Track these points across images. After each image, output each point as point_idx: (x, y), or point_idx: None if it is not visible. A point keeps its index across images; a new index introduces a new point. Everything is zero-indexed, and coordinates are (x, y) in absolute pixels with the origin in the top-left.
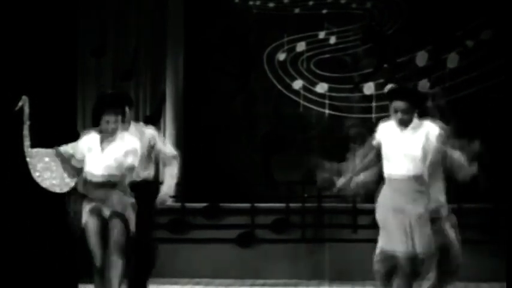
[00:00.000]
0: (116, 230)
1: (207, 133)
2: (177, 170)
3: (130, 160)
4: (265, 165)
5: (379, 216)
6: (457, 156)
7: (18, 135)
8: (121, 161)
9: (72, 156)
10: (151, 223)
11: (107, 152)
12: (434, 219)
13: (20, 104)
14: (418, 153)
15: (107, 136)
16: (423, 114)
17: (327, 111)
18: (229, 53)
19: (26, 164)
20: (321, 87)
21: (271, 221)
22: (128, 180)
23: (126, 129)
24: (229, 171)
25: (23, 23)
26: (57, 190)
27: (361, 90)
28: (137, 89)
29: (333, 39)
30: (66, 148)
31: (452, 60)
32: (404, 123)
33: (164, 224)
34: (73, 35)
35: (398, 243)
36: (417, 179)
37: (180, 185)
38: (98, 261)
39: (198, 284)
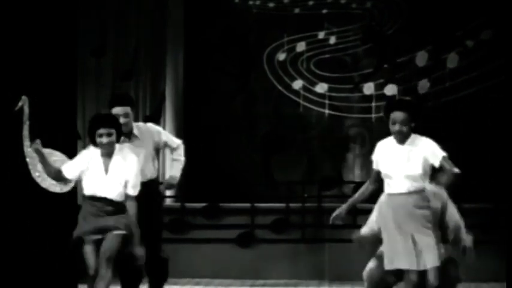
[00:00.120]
0: (108, 242)
1: (207, 133)
2: (184, 154)
3: (131, 180)
4: (265, 165)
5: (382, 234)
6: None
7: (18, 135)
8: (121, 182)
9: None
10: (159, 234)
11: (109, 173)
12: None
13: (20, 104)
14: (418, 171)
15: (106, 154)
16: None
17: (326, 111)
18: (229, 53)
19: (26, 164)
20: (321, 87)
21: (271, 221)
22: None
23: (129, 130)
24: (229, 171)
25: (23, 23)
26: (57, 190)
27: (361, 90)
28: (137, 89)
29: (332, 39)
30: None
31: (452, 60)
32: (403, 135)
33: (164, 224)
34: (73, 35)
35: (403, 261)
36: (419, 194)
37: (180, 185)
38: (91, 270)
39: (197, 284)
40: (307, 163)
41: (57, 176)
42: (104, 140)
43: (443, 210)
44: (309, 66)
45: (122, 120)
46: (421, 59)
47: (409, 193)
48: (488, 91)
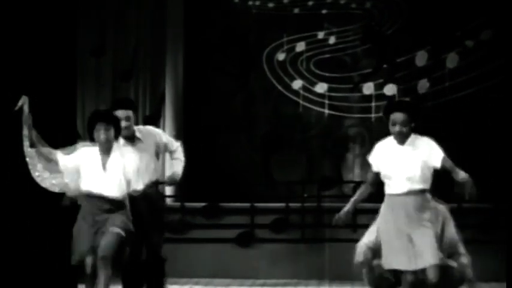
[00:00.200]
0: (106, 240)
1: (206, 133)
2: (183, 155)
3: (132, 178)
4: (265, 165)
5: (381, 234)
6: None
7: (18, 135)
8: (121, 181)
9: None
10: (160, 236)
11: (107, 171)
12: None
13: (20, 104)
14: (418, 172)
15: (104, 151)
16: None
17: (326, 111)
18: (229, 53)
19: (26, 164)
20: (321, 87)
21: (270, 221)
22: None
23: (131, 134)
24: (229, 171)
25: (23, 23)
26: (57, 190)
27: (360, 90)
28: (137, 89)
29: (332, 39)
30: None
31: (452, 60)
32: (403, 136)
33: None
34: (73, 35)
35: (400, 262)
36: (420, 194)
37: (180, 184)
38: (88, 269)
39: (197, 283)
40: (306, 163)
41: (47, 158)
42: (102, 135)
43: (443, 227)
44: (309, 66)
45: (123, 123)
46: (421, 59)
47: (409, 194)
48: (488, 91)
